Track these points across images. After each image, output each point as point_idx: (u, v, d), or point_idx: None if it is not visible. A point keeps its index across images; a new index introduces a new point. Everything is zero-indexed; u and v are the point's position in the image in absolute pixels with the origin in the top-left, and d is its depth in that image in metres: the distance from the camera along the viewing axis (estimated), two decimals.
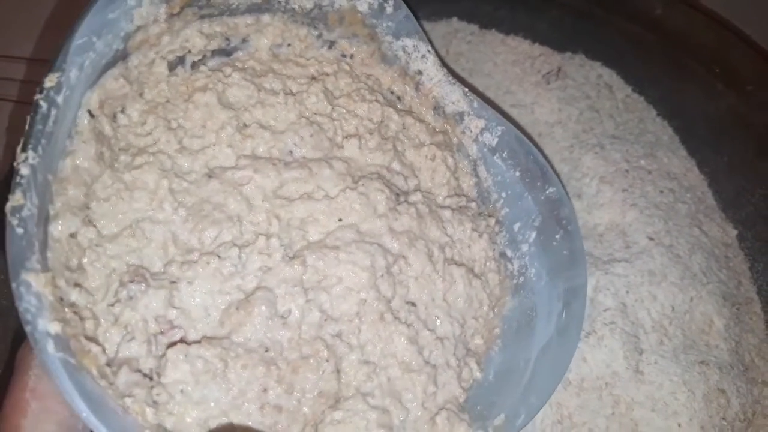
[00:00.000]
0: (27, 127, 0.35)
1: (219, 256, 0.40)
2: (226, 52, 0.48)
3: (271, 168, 0.44)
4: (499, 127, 0.48)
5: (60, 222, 0.37)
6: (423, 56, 0.50)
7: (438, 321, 0.43)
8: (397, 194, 0.45)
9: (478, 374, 0.44)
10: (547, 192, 0.46)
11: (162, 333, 0.38)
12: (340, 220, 0.42)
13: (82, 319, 0.36)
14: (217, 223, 0.41)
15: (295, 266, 0.40)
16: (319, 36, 0.50)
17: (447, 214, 0.46)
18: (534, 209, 0.46)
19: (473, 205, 0.49)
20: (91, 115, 0.41)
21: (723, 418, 0.44)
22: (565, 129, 0.58)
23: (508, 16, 0.64)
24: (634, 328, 0.47)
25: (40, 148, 0.36)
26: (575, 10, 0.61)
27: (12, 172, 0.36)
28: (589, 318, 0.47)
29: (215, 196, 0.42)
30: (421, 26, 0.50)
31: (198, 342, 0.38)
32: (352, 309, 0.40)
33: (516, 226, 0.47)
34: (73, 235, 0.38)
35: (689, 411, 0.44)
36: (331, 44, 0.51)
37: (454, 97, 0.50)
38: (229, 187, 0.42)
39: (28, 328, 0.33)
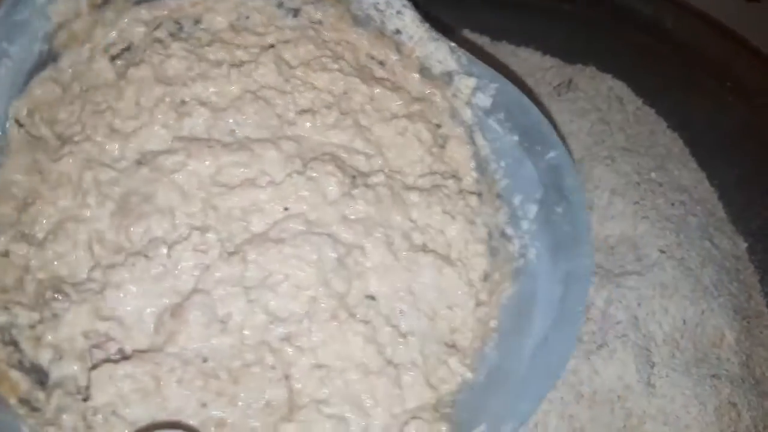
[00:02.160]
0: None
1: (146, 256, 0.36)
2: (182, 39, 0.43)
3: (208, 151, 0.39)
4: (493, 85, 0.42)
5: None
6: (398, 12, 0.44)
7: (401, 315, 0.38)
8: (354, 177, 0.40)
9: (468, 375, 0.38)
10: (548, 157, 0.39)
11: (97, 347, 0.35)
12: (286, 209, 0.38)
13: (6, 344, 0.34)
14: (146, 217, 0.37)
15: (235, 263, 0.36)
16: (280, 5, 0.45)
17: (414, 196, 0.41)
18: (535, 179, 0.40)
19: (450, 182, 0.42)
20: (21, 125, 0.38)
21: None
22: (576, 141, 0.58)
23: (519, 28, 0.64)
24: (645, 341, 0.47)
25: None
26: (586, 22, 0.62)
27: None
28: (601, 331, 0.47)
29: (144, 186, 0.38)
30: None
31: (128, 358, 0.34)
32: (301, 308, 0.36)
33: (516, 200, 0.40)
34: (5, 254, 0.35)
35: (700, 425, 0.44)
36: (296, 12, 0.45)
37: (440, 55, 0.43)
38: (158, 175, 0.38)
39: None
